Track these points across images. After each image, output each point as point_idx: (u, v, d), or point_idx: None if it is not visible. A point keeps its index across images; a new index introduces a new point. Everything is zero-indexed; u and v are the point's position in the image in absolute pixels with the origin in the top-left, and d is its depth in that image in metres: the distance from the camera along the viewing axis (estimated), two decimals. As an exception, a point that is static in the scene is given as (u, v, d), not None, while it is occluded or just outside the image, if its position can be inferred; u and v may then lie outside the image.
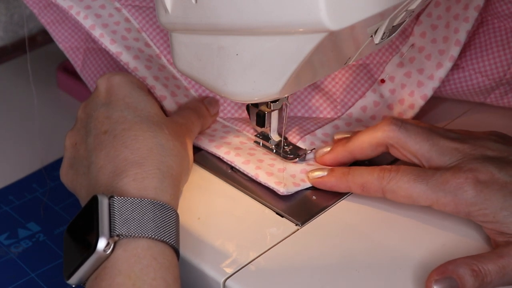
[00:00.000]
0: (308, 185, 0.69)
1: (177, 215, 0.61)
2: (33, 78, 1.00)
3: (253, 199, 0.69)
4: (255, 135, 0.74)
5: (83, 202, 0.64)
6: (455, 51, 0.73)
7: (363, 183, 0.66)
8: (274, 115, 0.71)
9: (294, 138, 0.73)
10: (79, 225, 0.61)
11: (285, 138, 0.72)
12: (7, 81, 1.00)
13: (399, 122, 0.66)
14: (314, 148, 0.72)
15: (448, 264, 0.61)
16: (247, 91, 0.62)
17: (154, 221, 0.58)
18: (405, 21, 0.64)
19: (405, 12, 0.61)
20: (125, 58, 0.75)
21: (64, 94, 0.98)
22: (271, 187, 0.69)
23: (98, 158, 0.63)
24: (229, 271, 0.62)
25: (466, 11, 0.74)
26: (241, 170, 0.71)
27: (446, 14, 0.75)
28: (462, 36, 0.73)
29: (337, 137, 0.73)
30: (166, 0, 0.61)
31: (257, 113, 0.71)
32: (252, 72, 0.61)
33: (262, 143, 0.73)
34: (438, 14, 0.75)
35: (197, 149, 0.73)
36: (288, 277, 0.62)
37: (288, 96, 0.70)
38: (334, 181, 0.68)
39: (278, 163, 0.71)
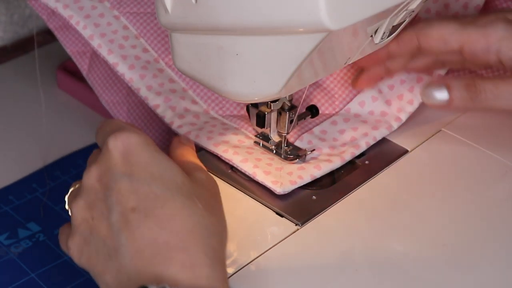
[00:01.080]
0: (305, 181, 0.69)
1: None
2: (32, 78, 1.00)
3: (253, 199, 0.69)
4: (255, 136, 0.74)
5: (107, 285, 0.59)
6: None
7: (399, 37, 0.67)
8: (274, 116, 0.71)
9: (291, 137, 0.73)
10: None
11: (285, 139, 0.72)
12: (7, 81, 1.00)
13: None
14: (314, 149, 0.72)
15: (448, 77, 0.63)
16: (247, 91, 0.62)
17: None
18: (405, 21, 0.64)
19: (405, 12, 0.61)
20: (121, 69, 0.76)
21: (64, 94, 0.98)
22: (267, 186, 0.69)
23: (129, 241, 0.57)
24: (229, 271, 0.62)
25: (465, 10, 0.74)
26: (239, 168, 0.71)
27: (444, 11, 0.75)
28: None
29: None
30: (166, 0, 0.61)
31: (257, 114, 0.71)
32: (252, 72, 0.61)
33: (262, 144, 0.73)
34: (437, 10, 0.75)
35: (197, 149, 0.73)
36: (288, 277, 0.62)
37: (289, 96, 0.70)
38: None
39: (276, 162, 0.71)
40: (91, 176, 0.60)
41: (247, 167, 0.70)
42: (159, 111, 0.75)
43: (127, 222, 0.57)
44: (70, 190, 0.65)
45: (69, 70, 0.98)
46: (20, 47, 1.06)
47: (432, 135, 0.76)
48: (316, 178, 0.70)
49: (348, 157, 0.72)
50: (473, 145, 0.74)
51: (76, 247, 0.61)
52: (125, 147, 0.59)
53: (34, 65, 1.02)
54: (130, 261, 0.56)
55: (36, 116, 0.94)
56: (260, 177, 0.70)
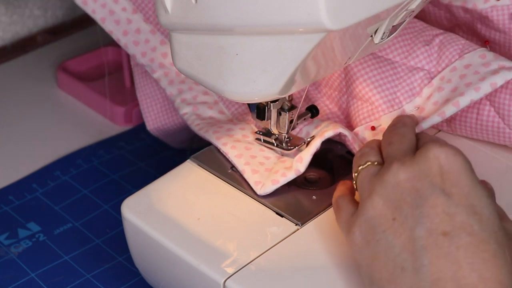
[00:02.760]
0: (289, 178, 0.69)
1: None
2: (32, 78, 1.00)
3: (253, 199, 0.69)
4: (256, 132, 0.74)
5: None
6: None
7: None
8: (274, 115, 0.71)
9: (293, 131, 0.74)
10: None
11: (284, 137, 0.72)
12: (7, 81, 1.00)
13: None
14: (313, 136, 0.72)
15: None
16: (247, 91, 0.62)
17: None
18: (405, 21, 0.64)
19: (405, 12, 0.61)
20: (163, 84, 0.80)
21: (64, 94, 0.98)
22: (250, 185, 0.69)
23: (434, 266, 0.53)
24: (230, 271, 0.62)
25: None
26: (233, 163, 0.71)
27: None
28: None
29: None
30: (166, 0, 0.61)
31: (258, 106, 0.71)
32: (252, 72, 0.61)
33: (263, 139, 0.73)
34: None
35: (196, 149, 0.73)
36: (288, 277, 0.62)
37: (289, 96, 0.70)
38: None
39: (270, 162, 0.71)
40: (402, 173, 0.57)
41: (239, 163, 0.70)
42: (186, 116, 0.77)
43: (434, 244, 0.54)
44: (360, 168, 0.61)
45: (69, 70, 0.98)
46: (20, 47, 1.06)
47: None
48: (301, 172, 0.69)
49: (328, 134, 0.70)
50: (472, 144, 0.74)
51: (363, 236, 0.58)
52: (448, 163, 0.56)
53: (34, 65, 1.02)
54: (430, 286, 0.53)
55: (36, 116, 0.94)
56: (247, 175, 0.70)
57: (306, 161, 0.69)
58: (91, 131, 0.92)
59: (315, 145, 0.69)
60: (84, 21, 1.12)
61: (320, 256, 0.64)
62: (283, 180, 0.69)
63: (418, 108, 0.71)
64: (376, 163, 0.61)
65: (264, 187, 0.68)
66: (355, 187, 0.62)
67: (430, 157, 0.56)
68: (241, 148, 0.72)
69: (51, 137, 0.91)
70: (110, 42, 1.03)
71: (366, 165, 0.61)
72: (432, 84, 0.72)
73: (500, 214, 0.59)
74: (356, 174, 0.61)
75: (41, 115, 0.94)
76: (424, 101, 0.71)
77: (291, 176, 0.69)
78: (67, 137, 0.90)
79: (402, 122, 0.65)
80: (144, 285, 0.72)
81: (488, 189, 0.59)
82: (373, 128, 0.71)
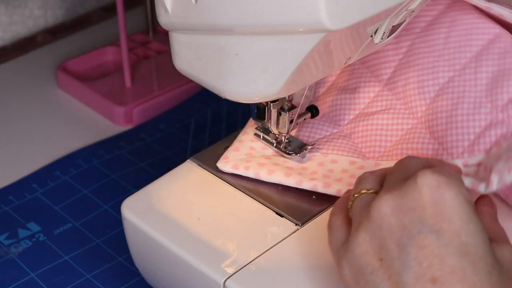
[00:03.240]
0: (248, 175, 0.69)
1: None
2: (32, 78, 1.00)
3: (253, 199, 0.69)
4: (256, 128, 0.74)
5: None
6: None
7: None
8: (274, 114, 0.71)
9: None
10: None
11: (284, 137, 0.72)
12: (7, 81, 1.00)
13: None
14: (314, 144, 0.72)
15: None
16: (247, 91, 0.62)
17: None
18: (405, 21, 0.64)
19: (405, 12, 0.61)
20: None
21: (64, 94, 0.98)
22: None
23: None
24: (230, 271, 0.62)
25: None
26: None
27: None
28: None
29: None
30: (166, 0, 0.61)
31: (257, 106, 0.71)
32: (252, 72, 0.61)
33: (263, 136, 0.73)
34: None
35: (196, 150, 0.73)
36: (288, 277, 0.62)
37: (289, 96, 0.70)
38: None
39: (257, 152, 0.71)
40: (387, 205, 0.52)
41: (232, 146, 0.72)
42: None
43: None
44: (355, 196, 0.57)
45: (69, 69, 0.98)
46: (20, 47, 1.07)
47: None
48: (260, 178, 0.69)
49: (306, 185, 0.69)
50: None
51: (352, 275, 0.54)
52: (441, 195, 0.51)
53: (34, 65, 1.03)
54: None
55: (36, 116, 0.94)
56: (228, 152, 0.71)
57: (267, 179, 0.69)
58: (91, 131, 0.92)
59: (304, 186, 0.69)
60: (84, 21, 1.12)
61: (320, 256, 0.64)
62: (242, 171, 0.70)
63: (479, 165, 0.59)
64: (371, 191, 0.56)
65: (225, 164, 0.69)
66: (350, 215, 0.57)
67: (419, 186, 0.51)
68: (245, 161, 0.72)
69: (51, 137, 0.91)
70: (110, 42, 1.04)
71: (360, 193, 0.56)
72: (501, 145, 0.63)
73: (497, 238, 0.54)
74: (351, 203, 0.57)
75: (41, 115, 0.94)
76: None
77: (249, 174, 0.69)
78: (67, 137, 0.90)
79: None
80: (144, 285, 0.72)
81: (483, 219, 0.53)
82: None
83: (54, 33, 1.09)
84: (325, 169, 0.70)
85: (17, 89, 0.99)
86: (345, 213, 0.58)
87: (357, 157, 0.70)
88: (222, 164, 0.70)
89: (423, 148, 0.68)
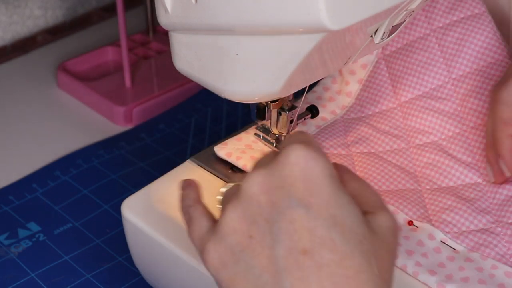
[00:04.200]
0: (237, 164, 0.70)
1: None
2: (32, 78, 1.00)
3: (253, 199, 0.69)
4: (256, 128, 0.74)
5: None
6: None
7: None
8: (274, 115, 0.71)
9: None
10: None
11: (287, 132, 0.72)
12: (7, 81, 1.00)
13: None
14: None
15: None
16: (247, 91, 0.62)
17: None
18: (405, 21, 0.64)
19: (405, 12, 0.61)
20: None
21: (64, 94, 0.98)
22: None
23: (293, 287, 0.49)
24: (229, 271, 0.62)
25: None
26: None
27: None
28: None
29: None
30: (166, 0, 0.61)
31: (257, 106, 0.71)
32: (252, 72, 0.61)
33: (263, 136, 0.73)
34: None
35: (196, 150, 0.73)
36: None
37: (289, 96, 0.70)
38: None
39: (258, 146, 0.72)
40: (256, 183, 0.52)
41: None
42: None
43: (296, 265, 0.50)
44: (225, 190, 0.57)
45: (69, 69, 0.98)
46: (20, 47, 1.07)
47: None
48: (247, 171, 0.69)
49: None
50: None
51: (219, 257, 0.53)
52: (308, 171, 0.51)
53: (34, 65, 1.03)
54: None
55: (36, 116, 0.94)
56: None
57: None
58: (91, 131, 0.92)
59: None
60: (84, 21, 1.12)
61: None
62: (233, 160, 0.70)
63: None
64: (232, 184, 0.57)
65: (220, 149, 0.70)
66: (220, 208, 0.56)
67: (289, 163, 0.51)
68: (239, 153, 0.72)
69: (51, 137, 0.91)
70: (110, 42, 1.04)
71: (232, 184, 0.58)
72: None
73: (373, 208, 0.54)
74: (220, 196, 0.57)
75: (41, 115, 0.94)
76: None
77: (239, 164, 0.70)
78: (67, 137, 0.90)
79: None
80: (144, 285, 0.72)
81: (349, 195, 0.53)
82: (410, 223, 0.66)
83: (54, 33, 1.09)
84: None
85: (17, 89, 0.99)
86: (202, 204, 0.57)
87: None
88: (218, 148, 0.71)
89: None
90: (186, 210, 0.57)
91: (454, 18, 0.75)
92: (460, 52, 0.74)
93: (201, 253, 0.54)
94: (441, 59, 0.75)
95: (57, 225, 0.78)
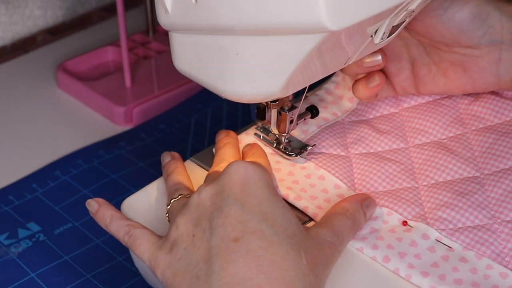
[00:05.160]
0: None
1: None
2: (32, 78, 1.00)
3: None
4: (256, 128, 0.74)
5: None
6: None
7: None
8: (274, 115, 0.71)
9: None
10: None
11: (284, 138, 0.72)
12: (7, 81, 1.00)
13: None
14: (314, 144, 0.72)
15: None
16: (247, 91, 0.62)
17: None
18: (405, 21, 0.64)
19: (405, 12, 0.61)
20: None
21: (64, 94, 0.98)
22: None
23: (224, 271, 0.54)
24: (229, 271, 0.62)
25: None
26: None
27: None
28: None
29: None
30: (166, 0, 0.61)
31: (257, 106, 0.71)
32: (252, 72, 0.61)
33: (263, 136, 0.73)
34: None
35: (196, 150, 0.73)
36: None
37: (289, 96, 0.70)
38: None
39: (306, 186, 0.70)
40: (203, 192, 0.59)
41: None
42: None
43: (226, 250, 0.55)
44: (172, 201, 0.63)
45: (69, 69, 0.98)
46: (20, 47, 1.07)
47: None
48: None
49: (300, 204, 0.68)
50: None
51: (169, 260, 0.58)
52: (246, 176, 0.58)
53: (34, 65, 1.03)
54: None
55: (36, 116, 0.94)
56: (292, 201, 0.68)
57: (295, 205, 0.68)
58: (91, 131, 0.92)
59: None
60: (84, 21, 1.12)
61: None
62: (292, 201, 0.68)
63: None
64: (188, 195, 0.63)
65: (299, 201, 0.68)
66: (167, 219, 0.63)
67: (230, 172, 0.58)
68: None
69: (51, 137, 0.91)
70: (110, 42, 1.04)
71: (178, 197, 0.63)
72: None
73: (325, 223, 0.61)
74: (168, 207, 0.63)
75: (41, 115, 0.94)
76: None
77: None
78: (67, 137, 0.90)
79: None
80: (144, 285, 0.72)
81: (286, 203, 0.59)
82: (404, 223, 0.66)
83: (54, 33, 1.09)
84: (308, 182, 0.69)
85: (17, 89, 0.99)
86: (140, 225, 0.62)
87: (345, 183, 0.69)
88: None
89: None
90: (128, 229, 0.62)
91: None
92: None
93: (153, 262, 0.59)
94: None
95: (57, 225, 0.78)
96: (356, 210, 0.63)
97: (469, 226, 0.64)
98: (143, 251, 0.60)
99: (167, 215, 0.63)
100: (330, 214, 0.62)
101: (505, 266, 0.61)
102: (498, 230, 0.63)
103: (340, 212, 0.62)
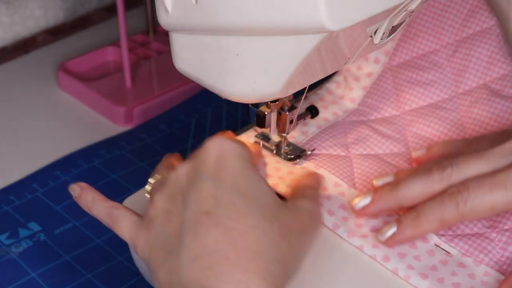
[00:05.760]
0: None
1: None
2: (33, 78, 1.00)
3: (253, 199, 0.69)
4: (255, 136, 0.74)
5: (157, 284, 0.57)
6: None
7: (439, 219, 0.61)
8: (274, 116, 0.72)
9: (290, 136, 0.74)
10: None
11: (285, 138, 0.72)
12: (8, 81, 1.00)
13: (450, 164, 0.63)
14: (314, 149, 0.72)
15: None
16: (247, 91, 0.62)
17: None
18: (405, 21, 0.64)
19: (404, 13, 0.62)
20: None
21: (64, 94, 0.98)
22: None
23: (193, 244, 0.55)
24: (229, 270, 0.62)
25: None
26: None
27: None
28: None
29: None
30: (167, 1, 0.61)
31: (257, 114, 0.71)
32: (252, 72, 0.61)
33: (262, 144, 0.73)
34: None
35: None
36: (288, 277, 0.62)
37: (289, 96, 0.70)
38: (409, 232, 0.62)
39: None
40: (180, 170, 0.59)
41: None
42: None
43: (196, 223, 0.55)
44: (153, 181, 0.63)
45: (69, 70, 0.98)
46: (20, 48, 1.07)
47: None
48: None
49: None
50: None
51: (146, 237, 0.59)
52: (221, 152, 0.58)
53: (34, 65, 1.03)
54: (187, 264, 0.54)
55: (36, 116, 0.94)
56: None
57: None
58: (91, 131, 0.92)
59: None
60: (84, 22, 1.12)
61: (320, 256, 0.64)
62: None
63: None
64: (158, 176, 0.63)
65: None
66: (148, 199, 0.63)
67: (206, 148, 0.59)
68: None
69: (51, 137, 0.91)
70: (110, 42, 1.04)
71: (157, 177, 0.63)
72: None
73: (303, 195, 0.61)
74: (149, 187, 0.63)
75: (41, 115, 0.94)
76: None
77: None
78: (67, 137, 0.90)
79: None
80: (144, 285, 0.72)
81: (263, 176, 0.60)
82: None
83: (54, 33, 1.09)
84: None
85: (17, 89, 0.99)
86: (122, 206, 0.63)
87: (345, 182, 0.70)
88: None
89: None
90: (109, 210, 0.62)
91: (464, 35, 0.75)
92: (467, 67, 0.74)
93: (133, 241, 0.59)
94: (450, 74, 0.75)
95: (58, 225, 0.79)
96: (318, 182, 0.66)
97: (468, 234, 0.64)
98: (124, 231, 0.61)
99: (148, 196, 0.63)
100: (302, 186, 0.64)
101: (502, 274, 0.61)
102: (496, 239, 0.64)
103: (312, 184, 0.64)
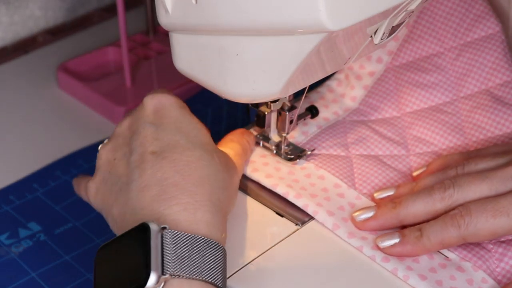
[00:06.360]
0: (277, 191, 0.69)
1: (225, 255, 0.57)
2: (33, 78, 1.00)
3: (253, 199, 0.69)
4: (256, 136, 0.74)
5: (113, 221, 0.61)
6: None
7: (441, 241, 0.62)
8: (274, 116, 0.72)
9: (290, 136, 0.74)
10: (117, 250, 0.56)
11: (285, 138, 0.72)
12: (8, 81, 1.00)
13: (452, 184, 0.63)
14: (314, 149, 0.72)
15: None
16: (247, 91, 0.62)
17: (208, 261, 0.55)
18: (405, 21, 0.64)
19: (404, 13, 0.62)
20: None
21: (64, 94, 0.98)
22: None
23: (142, 177, 0.59)
24: (229, 271, 0.62)
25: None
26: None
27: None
28: None
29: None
30: (167, 1, 0.61)
31: (257, 114, 0.71)
32: (252, 72, 0.61)
33: (262, 144, 0.73)
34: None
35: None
36: (288, 277, 0.62)
37: (289, 96, 0.70)
38: (410, 248, 0.63)
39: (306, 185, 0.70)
40: (122, 125, 0.65)
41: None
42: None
43: (143, 162, 0.60)
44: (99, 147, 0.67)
45: (69, 70, 0.98)
46: (20, 48, 1.07)
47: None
48: (244, 173, 0.71)
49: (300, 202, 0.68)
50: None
51: (95, 185, 0.64)
52: (159, 104, 0.64)
53: (34, 66, 1.03)
54: (137, 195, 0.58)
55: (36, 116, 0.94)
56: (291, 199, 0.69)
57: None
58: (91, 131, 0.92)
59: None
60: (84, 22, 1.12)
61: (320, 256, 0.64)
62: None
63: None
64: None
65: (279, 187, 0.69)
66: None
67: (144, 103, 0.64)
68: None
69: (51, 137, 0.91)
70: (110, 42, 1.04)
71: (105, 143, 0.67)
72: None
73: (227, 146, 0.69)
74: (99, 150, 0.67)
75: (41, 115, 0.94)
76: None
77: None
78: (67, 137, 0.90)
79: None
80: (144, 285, 0.72)
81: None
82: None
83: (54, 33, 1.09)
84: (308, 182, 0.69)
85: (17, 89, 0.99)
86: (84, 174, 0.70)
87: (345, 182, 0.70)
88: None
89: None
90: (75, 181, 0.70)
91: (468, 39, 0.75)
92: (470, 71, 0.75)
93: (88, 195, 0.65)
94: (452, 78, 0.75)
95: (58, 225, 0.79)
96: (241, 139, 0.71)
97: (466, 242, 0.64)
98: (84, 192, 0.66)
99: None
100: (229, 139, 0.70)
101: (498, 284, 0.62)
102: (493, 250, 0.64)
103: (235, 139, 0.70)
